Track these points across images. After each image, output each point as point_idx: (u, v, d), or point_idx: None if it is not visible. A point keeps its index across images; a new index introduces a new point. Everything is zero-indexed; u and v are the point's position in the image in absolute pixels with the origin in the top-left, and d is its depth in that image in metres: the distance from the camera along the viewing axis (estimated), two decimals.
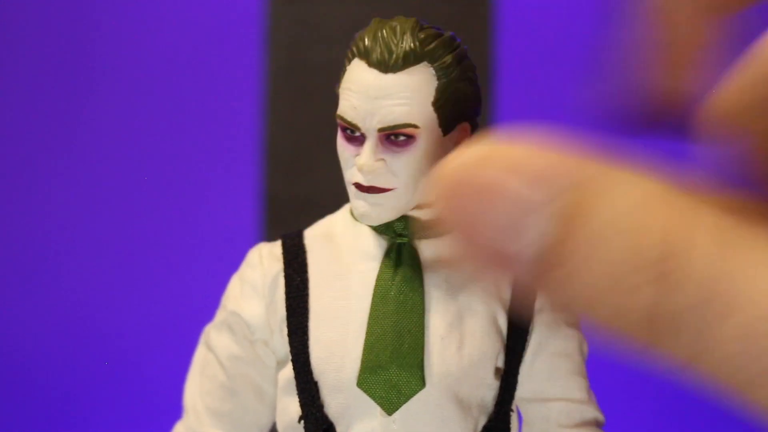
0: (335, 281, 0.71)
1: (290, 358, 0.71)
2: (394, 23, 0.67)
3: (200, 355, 0.77)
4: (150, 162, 1.87)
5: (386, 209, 0.68)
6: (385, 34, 0.67)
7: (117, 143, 1.88)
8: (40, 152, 1.88)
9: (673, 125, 0.33)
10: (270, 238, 0.76)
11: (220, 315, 0.76)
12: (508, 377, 0.70)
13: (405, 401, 0.67)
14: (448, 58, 0.68)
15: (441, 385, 0.68)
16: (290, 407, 0.71)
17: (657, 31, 0.32)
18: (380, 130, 0.66)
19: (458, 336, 0.69)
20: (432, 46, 0.67)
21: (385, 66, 0.66)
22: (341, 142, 0.69)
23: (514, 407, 0.72)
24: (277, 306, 0.72)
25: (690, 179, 0.31)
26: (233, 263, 0.77)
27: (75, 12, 1.89)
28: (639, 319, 0.37)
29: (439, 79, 0.67)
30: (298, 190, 1.66)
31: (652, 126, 0.34)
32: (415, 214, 0.71)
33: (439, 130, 0.68)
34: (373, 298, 0.69)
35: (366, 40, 0.67)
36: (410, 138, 0.67)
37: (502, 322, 0.71)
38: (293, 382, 0.70)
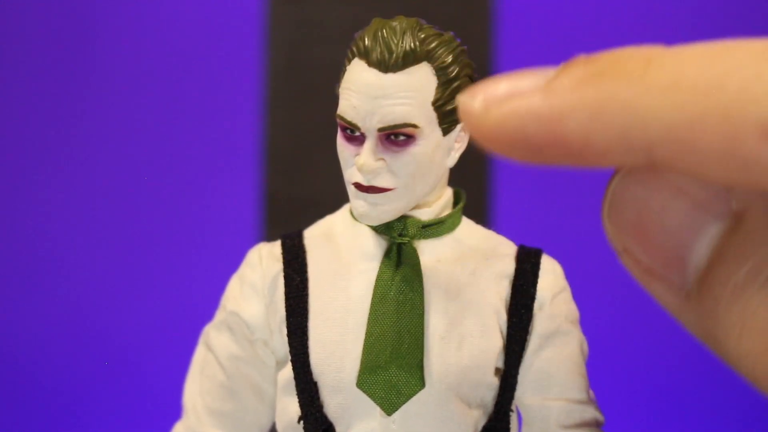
0: (335, 281, 0.71)
1: (290, 358, 0.71)
2: (394, 23, 0.67)
3: (200, 355, 0.77)
4: (150, 162, 1.87)
5: (386, 209, 0.68)
6: (385, 33, 0.67)
7: (116, 143, 1.88)
8: (40, 152, 1.88)
9: None
10: (270, 238, 0.76)
11: (219, 315, 0.76)
12: (507, 377, 0.70)
13: (404, 401, 0.67)
14: (449, 58, 0.67)
15: (441, 386, 0.68)
16: (290, 407, 0.71)
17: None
18: (380, 129, 0.66)
19: (458, 336, 0.69)
20: (432, 45, 0.67)
21: (385, 65, 0.66)
22: (341, 142, 0.69)
23: (513, 407, 0.72)
24: (277, 306, 0.72)
25: None
26: (233, 263, 0.77)
27: (75, 12, 1.88)
28: None
29: (439, 78, 0.67)
30: (298, 190, 1.66)
31: None
32: (415, 214, 0.71)
33: (439, 130, 0.68)
34: (372, 299, 0.69)
35: (366, 39, 0.67)
36: (410, 138, 0.67)
37: (502, 322, 0.71)
38: (293, 383, 0.70)
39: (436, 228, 0.71)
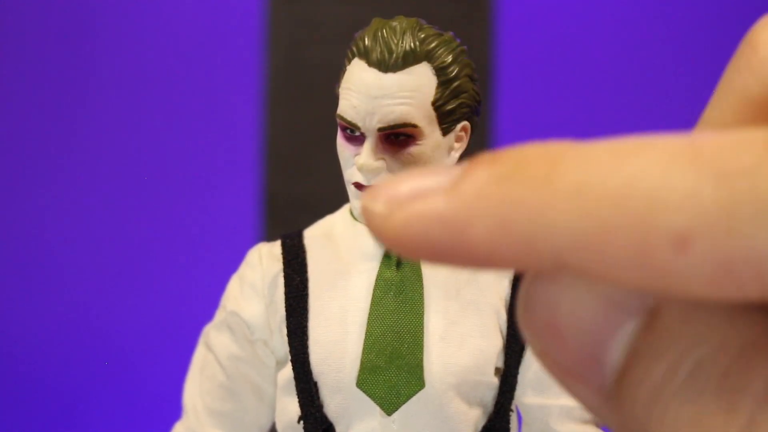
0: (335, 281, 0.71)
1: (290, 358, 0.71)
2: (394, 23, 0.67)
3: (200, 355, 0.77)
4: (150, 162, 1.88)
5: None
6: (385, 33, 0.67)
7: (117, 143, 1.88)
8: (40, 152, 1.88)
9: None
10: (270, 238, 0.76)
11: (219, 315, 0.76)
12: (507, 377, 0.70)
13: (404, 401, 0.67)
14: (448, 58, 0.68)
15: (441, 385, 0.68)
16: (289, 407, 0.71)
17: None
18: (380, 129, 0.66)
19: (458, 336, 0.69)
20: (432, 45, 0.67)
21: (385, 65, 0.66)
22: (341, 142, 0.69)
23: (513, 407, 0.72)
24: (277, 306, 0.72)
25: None
26: (233, 263, 0.77)
27: (75, 12, 1.89)
28: None
29: (438, 78, 0.67)
30: (298, 190, 1.66)
31: None
32: None
33: (439, 130, 0.68)
34: (372, 299, 0.69)
35: (366, 39, 0.67)
36: (410, 138, 0.67)
37: (502, 322, 0.70)
38: (293, 383, 0.70)
39: None
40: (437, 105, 0.67)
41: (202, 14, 1.88)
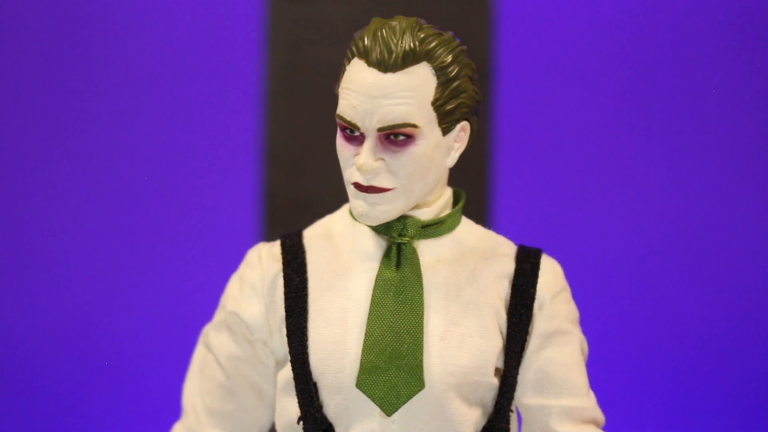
0: (334, 281, 0.71)
1: (289, 358, 0.70)
2: (393, 23, 0.67)
3: (199, 355, 0.77)
4: (150, 161, 1.87)
5: (385, 209, 0.68)
6: (384, 33, 0.67)
7: (117, 143, 1.88)
8: (40, 152, 1.88)
9: None
10: (270, 238, 0.76)
11: (219, 315, 0.75)
12: (507, 377, 0.70)
13: (404, 402, 0.67)
14: (448, 58, 0.68)
15: (441, 386, 0.68)
16: (289, 408, 0.71)
17: None
18: (380, 129, 0.66)
19: (458, 336, 0.69)
20: (432, 45, 0.67)
21: (385, 65, 0.66)
22: (340, 142, 0.69)
23: (513, 407, 0.72)
24: (277, 306, 0.72)
25: None
26: (233, 263, 0.77)
27: (75, 12, 1.88)
28: None
29: (438, 78, 0.67)
30: (298, 190, 1.66)
31: None
32: (415, 214, 0.71)
33: (438, 130, 0.68)
34: (372, 299, 0.69)
35: (366, 39, 0.67)
36: (410, 138, 0.67)
37: (502, 323, 0.70)
38: (292, 383, 0.70)
39: (435, 228, 0.71)
40: (437, 105, 0.67)
41: (202, 14, 1.88)
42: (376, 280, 0.69)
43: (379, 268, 0.69)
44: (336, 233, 0.73)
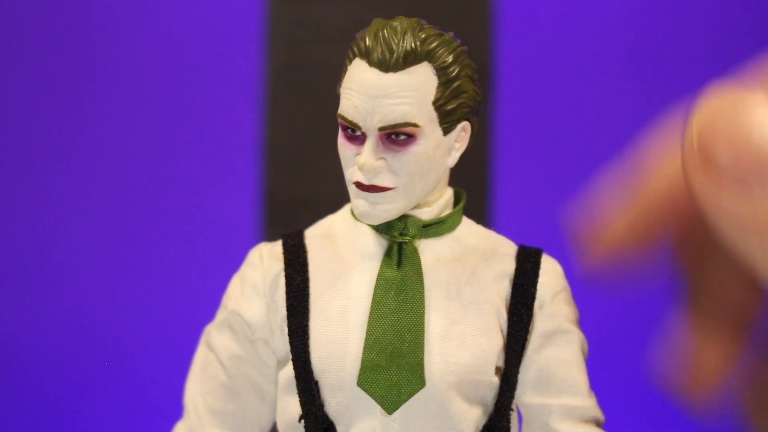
0: (336, 281, 0.71)
1: (291, 357, 0.71)
2: (395, 23, 0.68)
3: (201, 354, 0.77)
4: (150, 162, 1.88)
5: (387, 208, 0.68)
6: (386, 33, 0.67)
7: (117, 143, 1.88)
8: (40, 152, 1.88)
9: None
10: (270, 238, 0.77)
11: (220, 315, 0.76)
12: (508, 377, 0.70)
13: (405, 400, 0.67)
14: (449, 58, 0.68)
15: (441, 385, 0.68)
16: (291, 407, 0.71)
17: None
18: (381, 129, 0.67)
19: (458, 335, 0.69)
20: (433, 45, 0.68)
21: (386, 65, 0.67)
22: (342, 142, 0.69)
23: (514, 406, 0.72)
24: (278, 306, 0.72)
25: None
26: (233, 263, 0.77)
27: (75, 12, 1.89)
28: None
29: (439, 78, 0.67)
30: (298, 190, 1.66)
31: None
32: (416, 213, 0.71)
33: (439, 130, 0.68)
34: (373, 298, 0.69)
35: (367, 39, 0.68)
36: (411, 137, 0.67)
37: (503, 322, 0.71)
38: (294, 382, 0.70)
39: (436, 227, 0.72)
40: (438, 105, 0.67)
41: (202, 14, 1.88)
42: (377, 279, 0.69)
43: (380, 267, 0.69)
44: (337, 233, 0.73)
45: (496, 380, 0.70)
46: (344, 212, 0.74)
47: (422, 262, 0.70)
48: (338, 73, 0.71)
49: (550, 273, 0.73)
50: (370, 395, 0.67)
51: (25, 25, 1.88)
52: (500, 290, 0.71)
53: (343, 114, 0.68)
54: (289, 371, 0.71)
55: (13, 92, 1.89)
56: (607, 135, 1.79)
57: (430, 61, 0.67)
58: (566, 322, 0.73)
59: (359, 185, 0.68)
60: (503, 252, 0.73)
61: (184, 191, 1.88)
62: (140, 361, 1.85)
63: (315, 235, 0.74)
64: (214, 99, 1.87)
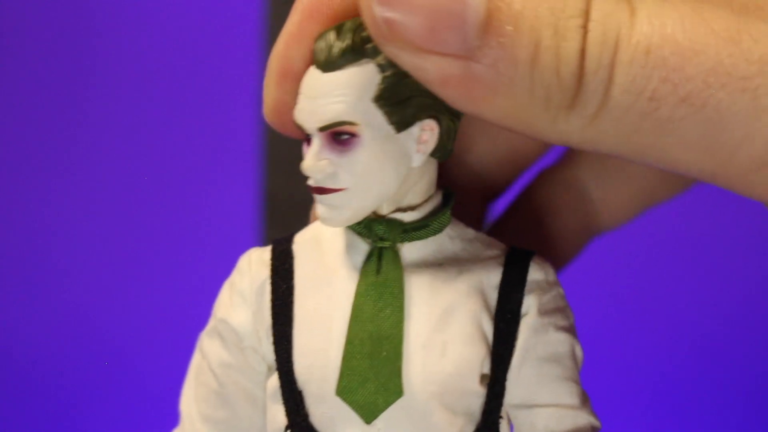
0: (320, 288, 0.70)
1: (275, 366, 0.70)
2: (347, 23, 0.66)
3: (195, 361, 0.77)
4: (149, 162, 1.87)
5: (343, 210, 0.66)
6: (331, 34, 0.65)
7: (116, 143, 1.87)
8: (39, 151, 1.88)
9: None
10: (270, 238, 0.76)
11: (211, 322, 0.75)
12: (495, 385, 0.69)
13: (383, 409, 0.66)
14: None
15: (423, 395, 0.67)
16: (278, 416, 0.70)
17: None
18: (320, 129, 0.65)
19: (441, 343, 0.67)
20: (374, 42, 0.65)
21: (324, 65, 0.65)
22: (303, 147, 0.67)
23: (503, 414, 0.70)
24: (264, 314, 0.71)
25: None
26: (233, 263, 0.77)
27: (74, 11, 1.88)
28: (573, 66, 0.47)
29: (383, 73, 0.64)
30: (298, 190, 1.65)
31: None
32: (399, 216, 0.69)
33: (388, 128, 0.65)
34: (353, 305, 0.67)
35: (317, 41, 0.66)
36: (354, 136, 0.65)
37: (488, 328, 0.69)
38: (279, 391, 0.70)
39: (420, 231, 0.70)
40: (381, 101, 0.64)
41: (202, 14, 1.88)
42: (357, 286, 0.68)
43: (361, 273, 0.68)
44: (325, 238, 0.72)
45: (481, 389, 0.69)
46: None
47: (404, 266, 0.68)
48: None
49: (539, 275, 0.71)
50: (349, 404, 0.67)
51: (25, 24, 1.88)
52: (486, 295, 0.69)
53: (294, 118, 0.67)
54: (275, 380, 0.70)
55: (12, 92, 1.89)
56: None
57: (372, 58, 0.64)
58: (556, 327, 0.71)
59: (310, 188, 0.67)
60: (491, 255, 0.71)
61: (184, 191, 1.88)
62: (140, 361, 1.85)
63: (303, 241, 0.73)
64: (214, 99, 1.87)
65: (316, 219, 0.72)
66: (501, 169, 0.86)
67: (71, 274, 1.86)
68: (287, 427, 0.69)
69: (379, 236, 0.68)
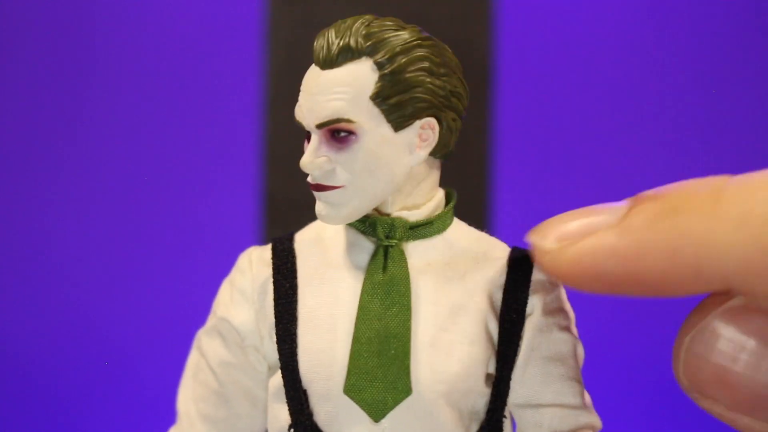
0: (323, 286, 0.69)
1: (279, 366, 0.70)
2: (347, 21, 0.66)
3: (193, 360, 0.76)
4: (149, 162, 1.87)
5: (341, 207, 0.66)
6: (332, 32, 0.66)
7: (116, 143, 1.87)
8: (39, 151, 1.88)
9: None
10: (269, 238, 0.76)
11: (210, 320, 0.75)
12: (499, 384, 0.69)
13: (391, 408, 0.66)
14: (395, 51, 0.65)
15: (430, 394, 0.67)
16: (280, 415, 0.70)
17: None
18: (317, 126, 0.66)
19: (447, 342, 0.67)
20: (374, 40, 0.65)
21: (324, 63, 0.65)
22: (304, 144, 0.68)
23: (507, 413, 0.70)
24: (267, 312, 0.71)
25: None
26: (233, 263, 0.76)
27: (74, 12, 1.88)
28: None
29: (380, 71, 0.65)
30: (298, 190, 1.65)
31: None
32: (404, 215, 0.69)
33: (386, 126, 0.66)
34: (359, 304, 0.67)
35: (317, 39, 0.66)
36: (351, 134, 0.65)
37: (493, 327, 0.69)
38: (283, 390, 0.69)
39: (424, 229, 0.70)
40: (378, 99, 0.65)
41: (202, 14, 1.88)
42: (363, 284, 0.68)
43: (367, 272, 0.68)
44: (327, 237, 0.72)
45: (486, 388, 0.69)
46: None
47: (410, 265, 0.68)
48: None
49: (543, 276, 0.71)
50: (357, 403, 0.66)
51: (24, 23, 1.88)
52: (491, 295, 0.69)
53: (295, 115, 0.67)
54: (278, 379, 0.70)
55: (13, 92, 1.89)
56: (608, 135, 1.79)
57: (370, 56, 0.64)
58: (559, 326, 0.71)
59: (309, 185, 0.67)
60: (495, 255, 0.71)
61: (184, 191, 1.87)
62: (140, 361, 1.85)
63: (305, 240, 0.73)
64: (214, 99, 1.87)
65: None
66: None
67: (71, 274, 1.85)
68: (290, 426, 0.69)
69: (385, 234, 0.69)
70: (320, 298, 0.69)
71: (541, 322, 0.70)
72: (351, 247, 0.70)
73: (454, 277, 0.69)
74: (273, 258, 0.72)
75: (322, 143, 0.66)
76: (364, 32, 0.65)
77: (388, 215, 0.69)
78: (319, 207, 0.67)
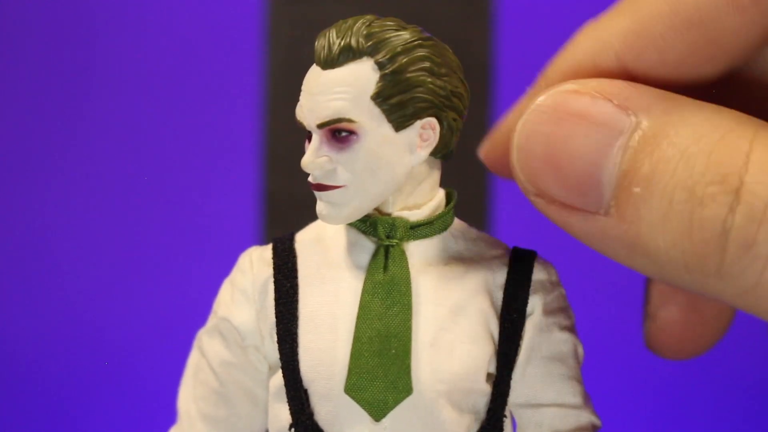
0: (324, 286, 0.70)
1: (280, 365, 0.70)
2: (348, 21, 0.66)
3: (193, 359, 0.77)
4: (149, 161, 1.87)
5: (342, 207, 0.67)
6: (333, 32, 0.66)
7: (116, 142, 1.87)
8: (39, 151, 1.88)
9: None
10: (269, 238, 0.76)
11: (211, 320, 0.75)
12: (500, 383, 0.69)
13: (392, 407, 0.66)
14: (395, 51, 0.65)
15: (431, 393, 0.67)
16: (281, 414, 0.70)
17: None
18: (318, 126, 0.66)
19: (448, 342, 0.68)
20: (375, 40, 0.65)
21: (325, 62, 0.65)
22: (305, 144, 0.68)
23: (507, 413, 0.71)
24: (267, 312, 0.71)
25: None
26: (233, 263, 0.77)
27: (74, 11, 1.88)
28: (710, 234, 0.44)
29: (381, 71, 0.65)
30: (298, 189, 1.65)
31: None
32: (405, 215, 0.69)
33: (387, 126, 0.66)
34: (360, 303, 0.67)
35: (318, 39, 0.66)
36: (352, 134, 0.65)
37: (494, 327, 0.69)
38: (283, 389, 0.70)
39: (425, 229, 0.70)
40: (379, 99, 0.65)
41: (202, 14, 1.88)
42: (364, 284, 0.68)
43: (368, 271, 0.68)
44: (327, 237, 0.72)
45: (487, 388, 0.69)
46: None
47: (411, 265, 0.69)
48: None
49: (543, 276, 0.71)
50: (357, 402, 0.67)
51: (24, 23, 1.88)
52: (491, 295, 0.70)
53: (295, 114, 0.67)
54: (279, 378, 0.70)
55: (13, 92, 1.89)
56: None
57: (371, 56, 0.64)
58: (560, 326, 0.71)
59: (310, 185, 0.67)
60: (495, 255, 0.71)
61: (183, 191, 1.87)
62: (140, 361, 1.85)
63: (305, 240, 0.73)
64: (214, 99, 1.87)
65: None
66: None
67: (71, 274, 1.85)
68: (291, 426, 0.69)
69: (386, 234, 0.69)
70: (321, 297, 0.69)
71: (542, 322, 0.70)
72: (352, 247, 0.70)
73: (455, 277, 0.69)
74: (274, 258, 0.72)
75: (323, 143, 0.66)
76: (365, 32, 0.65)
77: (388, 215, 0.69)
78: (320, 207, 0.67)
